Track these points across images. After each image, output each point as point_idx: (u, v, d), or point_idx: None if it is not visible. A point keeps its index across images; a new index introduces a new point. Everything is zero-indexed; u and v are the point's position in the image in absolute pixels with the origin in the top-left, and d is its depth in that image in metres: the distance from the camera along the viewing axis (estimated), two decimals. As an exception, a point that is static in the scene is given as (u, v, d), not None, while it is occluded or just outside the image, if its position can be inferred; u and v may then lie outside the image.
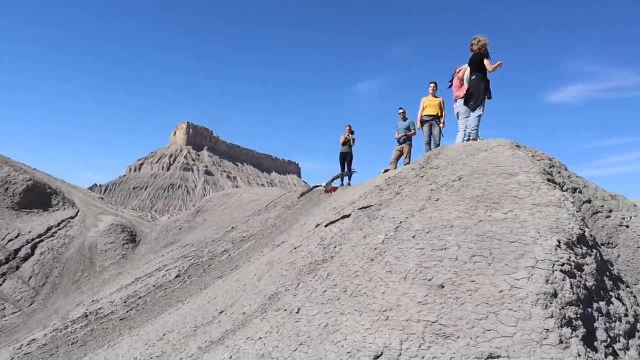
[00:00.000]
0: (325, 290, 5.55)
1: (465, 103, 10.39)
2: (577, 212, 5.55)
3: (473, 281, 4.46)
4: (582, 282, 4.58)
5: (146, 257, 22.45)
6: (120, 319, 12.76)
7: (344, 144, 17.17)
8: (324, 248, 7.08)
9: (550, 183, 6.08)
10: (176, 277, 14.53)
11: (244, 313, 7.00)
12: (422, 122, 13.84)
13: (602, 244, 8.40)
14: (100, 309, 14.74)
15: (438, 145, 13.17)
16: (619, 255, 8.42)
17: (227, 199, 21.90)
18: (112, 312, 14.00)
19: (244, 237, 15.70)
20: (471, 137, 9.92)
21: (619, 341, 4.79)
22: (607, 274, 5.56)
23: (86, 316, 14.41)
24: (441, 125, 13.88)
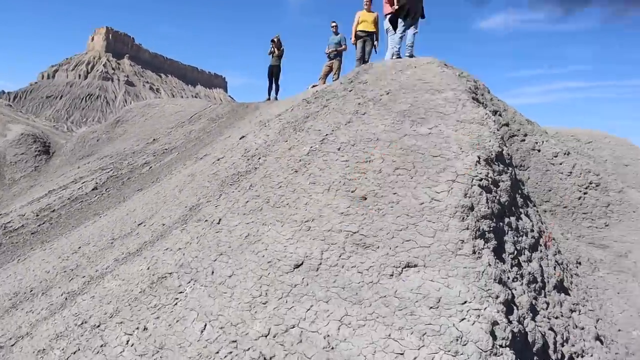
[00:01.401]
0: (247, 201, 5.46)
1: (402, 18, 10.01)
2: (498, 130, 5.69)
3: (395, 193, 4.51)
4: (497, 197, 4.76)
5: (61, 170, 21.33)
6: (32, 233, 12.19)
7: (271, 55, 16.61)
8: (248, 160, 6.92)
9: (475, 102, 6.17)
10: (93, 189, 13.94)
11: (164, 224, 6.82)
12: (357, 38, 13.48)
13: (516, 166, 8.81)
14: (9, 222, 13.97)
15: (367, 62, 13.00)
16: (529, 178, 8.90)
17: (149, 109, 20.92)
18: (22, 225, 13.33)
19: (166, 149, 15.18)
20: (407, 55, 9.72)
21: (524, 254, 5.09)
22: (519, 192, 5.84)
23: (-7, 229, 13.65)
24: (375, 42, 13.63)
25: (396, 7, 10.01)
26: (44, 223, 12.80)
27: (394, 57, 9.89)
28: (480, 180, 4.56)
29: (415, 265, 3.87)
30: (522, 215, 5.45)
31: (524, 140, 9.02)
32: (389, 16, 10.65)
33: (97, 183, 14.42)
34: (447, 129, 5.32)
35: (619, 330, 7.04)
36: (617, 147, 14.21)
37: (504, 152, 5.40)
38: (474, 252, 3.96)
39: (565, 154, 9.17)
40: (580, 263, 8.05)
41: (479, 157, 4.80)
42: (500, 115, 8.87)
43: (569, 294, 6.16)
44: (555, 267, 5.83)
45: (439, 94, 6.13)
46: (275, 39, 16.69)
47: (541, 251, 5.66)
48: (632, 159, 13.95)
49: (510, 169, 5.44)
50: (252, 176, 6.16)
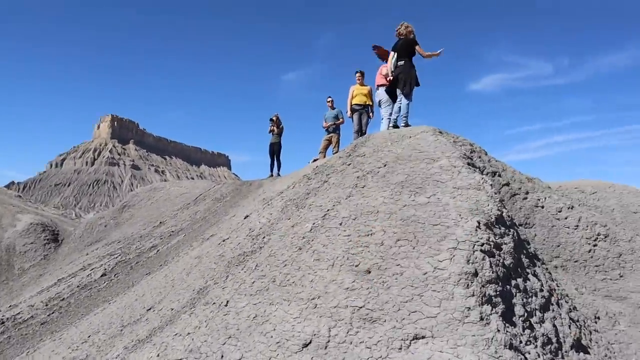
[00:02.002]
0: (254, 282, 5.48)
1: (395, 88, 10.33)
2: (496, 194, 5.78)
3: (398, 265, 4.54)
4: (501, 260, 4.78)
5: (70, 257, 21.41)
6: (41, 324, 12.11)
7: (271, 133, 17.14)
8: (253, 239, 6.99)
9: (470, 167, 6.29)
10: (102, 276, 13.94)
11: (172, 309, 6.81)
12: (353, 111, 13.92)
13: (520, 225, 8.81)
14: (18, 314, 13.91)
15: (365, 133, 13.33)
16: (535, 235, 8.88)
17: (155, 193, 21.23)
18: (32, 316, 13.25)
19: (172, 231, 15.29)
20: (402, 125, 9.98)
21: (535, 315, 5.04)
22: (524, 252, 5.84)
23: (2, 323, 13.56)
24: (371, 114, 14.04)
25: (391, 78, 10.39)
26: (53, 312, 12.73)
27: (390, 128, 10.15)
28: (482, 245, 4.60)
29: (423, 337, 3.85)
30: (530, 276, 5.43)
31: (526, 198, 9.07)
32: (383, 88, 11.04)
33: (105, 269, 14.44)
34: (445, 196, 5.42)
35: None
36: (623, 195, 14.21)
37: (503, 214, 5.46)
38: (482, 319, 3.94)
39: (569, 207, 9.20)
40: (598, 318, 7.88)
41: (478, 222, 4.86)
42: (499, 175, 8.98)
43: (588, 352, 6.02)
44: (570, 326, 5.73)
45: (434, 163, 6.28)
46: (274, 118, 17.25)
47: (553, 310, 5.59)
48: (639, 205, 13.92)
49: (512, 230, 5.48)
50: (257, 256, 6.21)
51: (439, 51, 10.08)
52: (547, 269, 7.22)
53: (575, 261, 8.89)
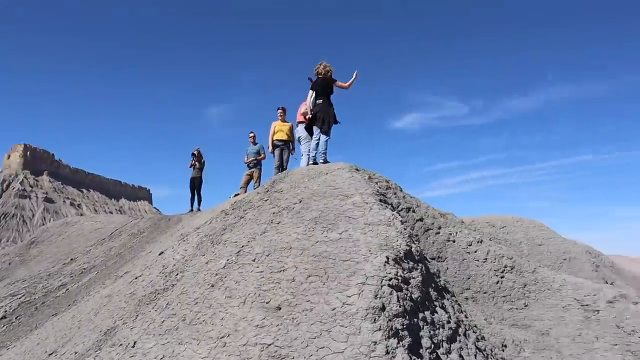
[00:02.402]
0: (163, 321, 5.32)
1: (313, 126, 10.58)
2: (405, 229, 5.99)
3: (308, 301, 4.58)
4: (409, 294, 4.93)
5: (-32, 299, 19.76)
6: None
7: (192, 168, 16.94)
8: (166, 276, 6.81)
9: (382, 203, 6.51)
10: (2, 318, 12.95)
11: (76, 352, 6.44)
12: (274, 147, 14.04)
13: (433, 258, 9.15)
14: None
15: (286, 169, 13.46)
16: (447, 268, 9.23)
17: (67, 227, 20.15)
18: None
19: (84, 269, 14.53)
20: (321, 161, 10.19)
21: (442, 346, 5.21)
22: (433, 285, 6.06)
23: None
24: (292, 150, 14.22)
25: (310, 116, 10.63)
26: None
27: (309, 164, 10.34)
28: (390, 280, 4.74)
29: (331, 373, 3.88)
30: (438, 308, 5.63)
31: (438, 232, 9.45)
32: (302, 125, 11.26)
33: (6, 311, 13.43)
34: (356, 232, 5.56)
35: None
36: (529, 228, 15.13)
37: (412, 249, 5.66)
38: (388, 352, 4.03)
39: (478, 241, 9.66)
40: (505, 346, 8.23)
41: (387, 258, 5.01)
42: (414, 211, 9.33)
43: (494, 380, 6.28)
44: (476, 355, 5.96)
45: (347, 199, 6.44)
46: (196, 152, 17.07)
47: (460, 341, 5.81)
48: (544, 238, 14.85)
49: (420, 264, 5.69)
50: (169, 294, 6.05)
51: (354, 76, 10.53)
52: (456, 301, 7.51)
53: (485, 292, 9.30)
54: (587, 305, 8.94)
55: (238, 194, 14.39)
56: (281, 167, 13.80)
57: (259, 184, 14.72)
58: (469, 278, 9.29)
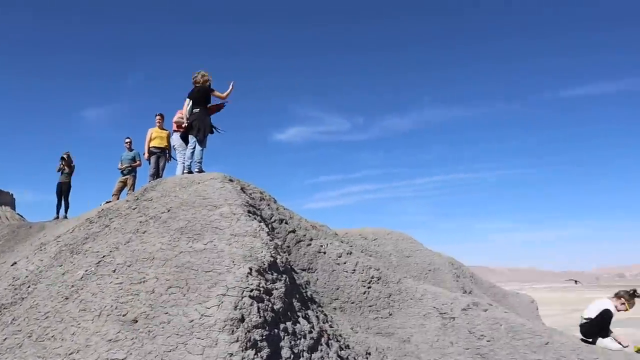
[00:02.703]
0: (6, 339, 4.92)
1: (189, 134, 10.42)
2: (271, 241, 6.09)
3: (167, 313, 4.49)
4: (270, 305, 5.02)
5: None
6: None
7: (60, 172, 15.83)
8: (16, 289, 6.30)
9: (250, 214, 6.56)
10: None
11: None
12: (150, 154, 13.62)
13: (304, 269, 9.36)
14: None
15: (161, 177, 13.10)
16: (317, 279, 9.49)
17: None
18: None
19: None
20: (196, 170, 10.07)
21: (303, 356, 5.35)
22: (298, 296, 6.21)
23: None
24: (168, 158, 13.88)
25: (185, 124, 10.46)
26: None
27: (184, 173, 10.16)
28: (251, 291, 4.79)
29: (185, 386, 3.84)
30: (301, 319, 5.77)
31: (310, 244, 9.69)
32: (177, 133, 11.06)
33: None
34: (221, 243, 5.56)
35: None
36: (399, 241, 15.94)
37: (277, 260, 5.77)
38: (244, 364, 4.07)
39: (348, 253, 10.04)
40: (369, 354, 8.58)
41: (250, 269, 5.06)
42: (286, 223, 9.49)
43: (354, 387, 6.54)
44: (336, 364, 6.18)
45: (216, 210, 6.42)
46: (65, 156, 15.99)
47: (322, 350, 5.99)
48: (412, 250, 15.72)
49: (285, 276, 5.80)
50: (16, 308, 5.61)
51: (231, 86, 10.57)
52: (323, 311, 7.73)
53: (352, 302, 9.67)
54: (444, 313, 9.61)
55: (110, 202, 13.72)
56: (156, 175, 13.41)
57: (133, 192, 14.15)
58: (337, 288, 9.61)
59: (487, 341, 8.98)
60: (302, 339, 5.47)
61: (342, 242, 11.80)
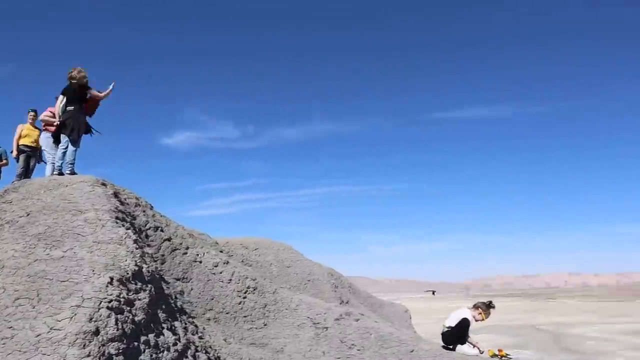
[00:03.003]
0: None
1: (61, 134, 9.78)
2: (138, 249, 5.88)
3: (11, 327, 4.17)
4: (131, 317, 4.84)
5: None
6: None
7: None
8: None
9: (118, 221, 6.30)
10: None
11: None
12: (19, 152, 12.56)
13: (178, 279, 9.12)
14: None
15: (30, 177, 12.15)
16: (192, 289, 9.29)
17: None
18: None
19: None
20: (67, 172, 9.46)
21: (164, 369, 5.20)
22: (164, 306, 6.04)
23: None
24: (39, 159, 12.89)
25: (58, 122, 9.80)
26: None
27: (54, 174, 9.52)
28: (110, 302, 4.59)
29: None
30: (165, 330, 5.62)
31: (186, 253, 9.47)
32: (47, 132, 10.36)
33: None
34: (82, 251, 5.28)
35: None
36: (280, 251, 16.04)
37: (143, 269, 5.58)
38: (96, 379, 3.88)
39: (224, 263, 9.94)
40: (241, 365, 8.56)
41: (111, 278, 4.86)
42: (162, 230, 9.21)
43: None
44: (202, 377, 6.08)
45: (81, 215, 6.08)
46: None
47: (186, 363, 5.87)
48: (292, 261, 15.89)
49: (149, 285, 5.63)
50: None
51: (110, 86, 10.09)
52: (193, 322, 7.57)
53: (227, 313, 9.57)
54: (318, 323, 9.81)
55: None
56: (24, 175, 12.39)
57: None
58: (212, 299, 9.47)
59: (358, 350, 9.30)
60: (166, 352, 5.32)
61: (220, 251, 11.67)
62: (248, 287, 9.91)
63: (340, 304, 14.31)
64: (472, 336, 9.38)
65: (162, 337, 5.41)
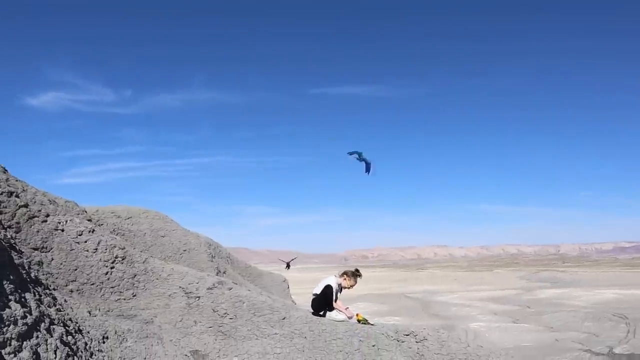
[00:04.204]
0: None
1: None
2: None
3: None
4: (-31, 289, 4.39)
5: None
6: None
7: None
8: None
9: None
10: None
11: None
12: None
13: (36, 248, 8.46)
14: None
15: None
16: (52, 259, 8.66)
17: None
18: None
19: None
20: None
21: (10, 344, 4.82)
22: (12, 277, 5.55)
23: None
24: None
25: None
26: None
27: None
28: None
29: None
30: (12, 303, 5.18)
31: (45, 221, 8.78)
32: None
33: None
34: None
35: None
36: (154, 220, 15.48)
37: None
38: None
39: (90, 231, 9.37)
40: (107, 337, 8.16)
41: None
42: (17, 196, 8.44)
43: (77, 374, 6.14)
44: (56, 350, 5.72)
45: None
46: None
47: (38, 337, 5.48)
48: (167, 230, 15.43)
49: (-5, 255, 5.14)
50: None
51: None
52: (51, 294, 7.07)
53: (92, 284, 9.07)
54: (190, 292, 9.65)
55: None
56: None
57: None
58: (76, 269, 8.91)
59: (230, 319, 9.31)
60: (12, 325, 4.92)
61: (89, 220, 11.00)
62: (116, 257, 9.46)
63: (217, 274, 14.20)
64: (340, 303, 9.76)
65: (8, 310, 4.98)
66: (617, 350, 43.12)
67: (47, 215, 8.87)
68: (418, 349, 8.63)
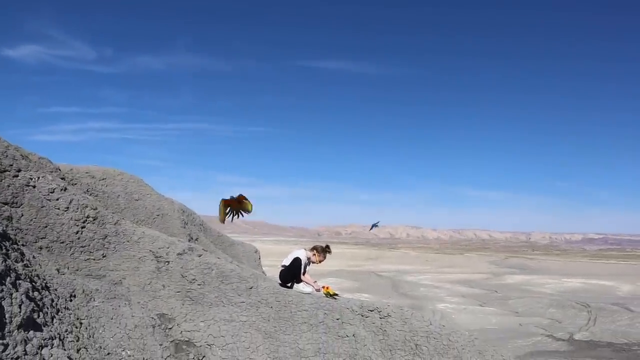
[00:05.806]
0: None
1: None
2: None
3: None
4: None
5: None
6: None
7: None
8: None
9: None
10: None
11: None
12: None
13: (6, 203, 8.41)
14: None
15: None
16: (22, 215, 8.63)
17: None
18: None
19: None
20: None
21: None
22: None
23: None
24: None
25: None
26: None
27: None
28: None
29: None
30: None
31: (17, 176, 8.71)
32: None
33: None
34: None
35: (109, 353, 7.48)
36: (129, 183, 15.39)
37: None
38: None
39: (62, 189, 9.32)
40: (75, 296, 8.19)
41: None
42: (-12, 149, 8.34)
43: (42, 330, 6.17)
44: (21, 305, 5.75)
45: None
46: None
47: (2, 290, 5.50)
48: (142, 194, 15.35)
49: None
50: None
51: None
52: (19, 249, 7.06)
53: (62, 242, 9.07)
54: (160, 257, 9.71)
55: None
56: None
57: None
58: (46, 227, 8.89)
59: (198, 285, 9.41)
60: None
61: (62, 178, 10.92)
62: (87, 217, 9.44)
63: (190, 240, 14.24)
64: (308, 276, 9.93)
65: (-27, 261, 4.99)
66: (577, 337, 44.69)
67: (19, 170, 8.79)
68: (381, 324, 8.86)
